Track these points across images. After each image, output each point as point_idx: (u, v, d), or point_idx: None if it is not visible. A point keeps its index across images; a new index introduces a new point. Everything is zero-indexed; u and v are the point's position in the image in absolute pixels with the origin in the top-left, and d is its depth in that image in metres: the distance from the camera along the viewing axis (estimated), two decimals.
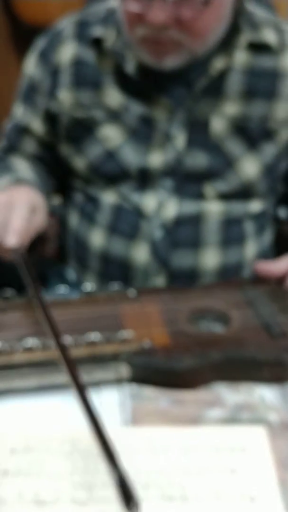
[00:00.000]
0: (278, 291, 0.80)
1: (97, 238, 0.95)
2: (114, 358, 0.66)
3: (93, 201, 0.96)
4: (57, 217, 1.30)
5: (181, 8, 0.76)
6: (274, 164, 0.93)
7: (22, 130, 1.00)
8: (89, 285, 0.81)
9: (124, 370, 0.66)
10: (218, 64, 0.87)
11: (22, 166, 0.98)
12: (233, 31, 0.87)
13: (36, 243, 0.94)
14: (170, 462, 0.55)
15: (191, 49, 0.82)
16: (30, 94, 0.99)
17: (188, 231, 0.92)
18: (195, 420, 0.61)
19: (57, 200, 1.27)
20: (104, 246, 0.94)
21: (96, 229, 0.95)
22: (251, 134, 0.90)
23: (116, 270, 0.94)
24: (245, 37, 0.87)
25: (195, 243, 0.92)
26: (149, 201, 0.91)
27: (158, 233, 0.91)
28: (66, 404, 0.64)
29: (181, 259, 0.92)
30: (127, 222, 0.92)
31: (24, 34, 2.09)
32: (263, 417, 0.61)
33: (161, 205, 0.91)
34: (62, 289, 0.81)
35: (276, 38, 0.89)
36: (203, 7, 0.76)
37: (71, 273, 1.06)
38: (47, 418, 0.62)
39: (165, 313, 0.75)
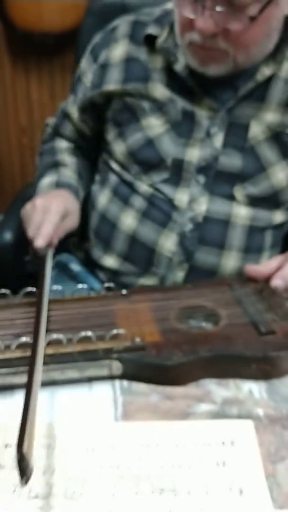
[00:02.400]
0: (265, 290, 0.81)
1: (128, 220, 0.96)
2: (106, 354, 0.65)
3: (129, 185, 0.97)
4: None
5: (229, 20, 0.77)
6: None
7: (64, 115, 1.08)
8: (83, 285, 0.81)
9: (116, 366, 0.65)
10: (267, 71, 0.87)
11: (67, 160, 1.06)
12: (284, 39, 0.87)
13: None
14: (161, 456, 0.55)
15: (235, 60, 0.83)
16: (76, 82, 1.05)
17: (216, 230, 0.93)
18: (185, 415, 0.61)
19: None
20: (134, 229, 0.95)
21: (128, 211, 0.96)
22: (287, 142, 0.90)
23: (141, 254, 0.95)
24: None
25: (221, 244, 0.93)
26: (181, 194, 0.92)
27: (188, 226, 0.92)
28: (59, 400, 0.64)
29: (205, 256, 0.93)
30: (161, 211, 0.93)
31: (18, 39, 2.09)
32: (251, 412, 0.61)
33: (192, 199, 0.92)
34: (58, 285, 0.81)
35: None
36: (250, 22, 0.77)
37: (75, 265, 1.06)
38: (41, 414, 0.62)
39: (156, 311, 0.74)
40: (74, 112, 1.05)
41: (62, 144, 1.09)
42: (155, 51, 0.92)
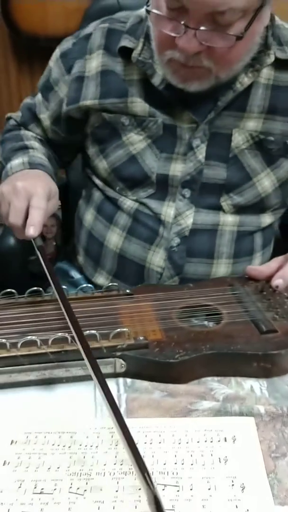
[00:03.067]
0: (266, 289, 0.80)
1: (114, 238, 0.94)
2: (110, 352, 0.65)
3: (113, 202, 0.94)
4: (59, 219, 1.28)
5: (214, 38, 0.73)
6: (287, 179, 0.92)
7: (34, 115, 1.01)
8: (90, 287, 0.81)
9: (120, 364, 0.65)
10: (246, 79, 0.84)
11: (36, 145, 0.98)
12: (261, 47, 0.84)
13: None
14: (164, 453, 0.55)
15: (218, 76, 0.80)
16: (46, 87, 0.98)
17: (204, 241, 0.91)
18: (187, 412, 0.61)
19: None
20: (121, 247, 0.93)
21: (114, 229, 0.94)
22: (271, 150, 0.88)
23: (130, 271, 0.92)
24: (272, 54, 0.84)
25: (210, 254, 0.91)
26: (167, 209, 0.90)
27: (175, 241, 0.90)
28: (64, 397, 0.64)
29: (195, 268, 0.91)
30: (146, 227, 0.91)
31: (23, 43, 2.09)
32: (252, 409, 0.61)
33: (178, 214, 0.89)
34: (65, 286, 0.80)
35: None
36: (236, 41, 0.73)
37: (75, 273, 1.04)
38: (47, 410, 0.62)
39: (159, 310, 0.74)
40: (46, 119, 1.00)
41: (29, 133, 1.02)
42: (131, 63, 0.87)
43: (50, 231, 1.70)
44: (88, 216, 0.98)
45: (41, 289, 0.79)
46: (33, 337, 0.64)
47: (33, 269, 1.05)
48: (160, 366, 0.65)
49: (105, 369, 0.65)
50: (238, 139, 0.87)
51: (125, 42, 0.87)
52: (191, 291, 0.80)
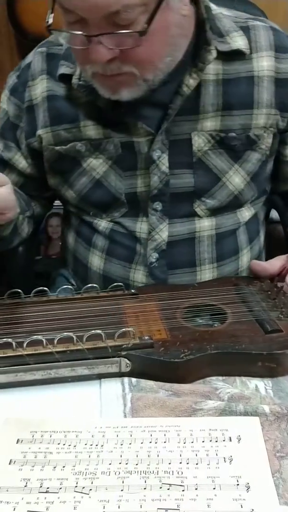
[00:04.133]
0: (270, 288, 0.80)
1: (95, 261, 0.92)
2: (115, 352, 0.65)
3: (89, 225, 0.93)
4: (61, 217, 1.27)
5: (120, 41, 0.69)
6: (259, 170, 0.89)
7: (5, 164, 0.95)
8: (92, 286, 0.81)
9: (125, 363, 0.65)
10: (191, 81, 0.81)
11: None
12: (201, 43, 0.80)
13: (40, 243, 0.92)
14: (169, 452, 0.55)
15: (145, 79, 0.75)
16: (8, 130, 0.94)
17: (183, 252, 0.89)
18: (192, 411, 0.61)
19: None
20: (103, 269, 0.92)
21: (93, 251, 0.92)
22: (234, 146, 0.85)
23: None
24: (213, 49, 0.80)
25: (191, 263, 0.89)
26: (141, 225, 0.88)
27: (153, 257, 0.88)
28: (69, 397, 0.64)
29: (179, 279, 0.89)
30: (124, 246, 0.90)
31: (29, 43, 2.09)
32: (257, 409, 0.61)
33: (152, 229, 0.87)
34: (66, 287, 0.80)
35: (245, 41, 0.82)
36: (141, 37, 0.69)
37: (74, 281, 1.04)
38: (52, 410, 0.62)
39: (164, 310, 0.74)
40: (18, 159, 0.93)
41: None
42: (74, 88, 0.84)
43: (56, 231, 1.71)
44: (70, 239, 0.98)
45: (46, 289, 0.79)
46: (39, 337, 0.64)
47: (38, 269, 1.05)
48: (165, 365, 0.65)
49: (110, 369, 0.65)
50: (199, 142, 0.84)
51: (63, 69, 0.84)
52: (196, 290, 0.80)
